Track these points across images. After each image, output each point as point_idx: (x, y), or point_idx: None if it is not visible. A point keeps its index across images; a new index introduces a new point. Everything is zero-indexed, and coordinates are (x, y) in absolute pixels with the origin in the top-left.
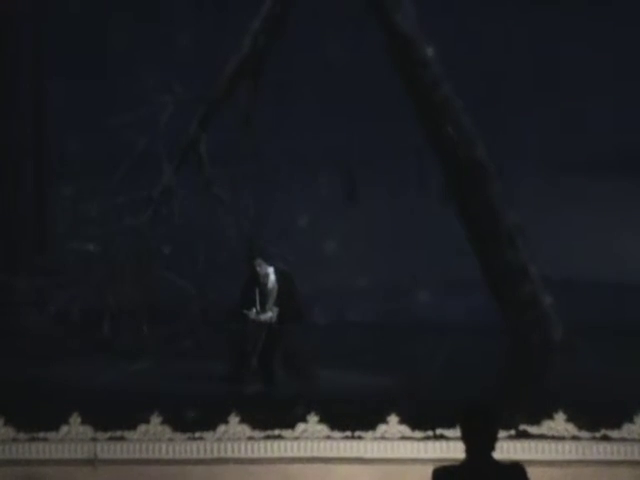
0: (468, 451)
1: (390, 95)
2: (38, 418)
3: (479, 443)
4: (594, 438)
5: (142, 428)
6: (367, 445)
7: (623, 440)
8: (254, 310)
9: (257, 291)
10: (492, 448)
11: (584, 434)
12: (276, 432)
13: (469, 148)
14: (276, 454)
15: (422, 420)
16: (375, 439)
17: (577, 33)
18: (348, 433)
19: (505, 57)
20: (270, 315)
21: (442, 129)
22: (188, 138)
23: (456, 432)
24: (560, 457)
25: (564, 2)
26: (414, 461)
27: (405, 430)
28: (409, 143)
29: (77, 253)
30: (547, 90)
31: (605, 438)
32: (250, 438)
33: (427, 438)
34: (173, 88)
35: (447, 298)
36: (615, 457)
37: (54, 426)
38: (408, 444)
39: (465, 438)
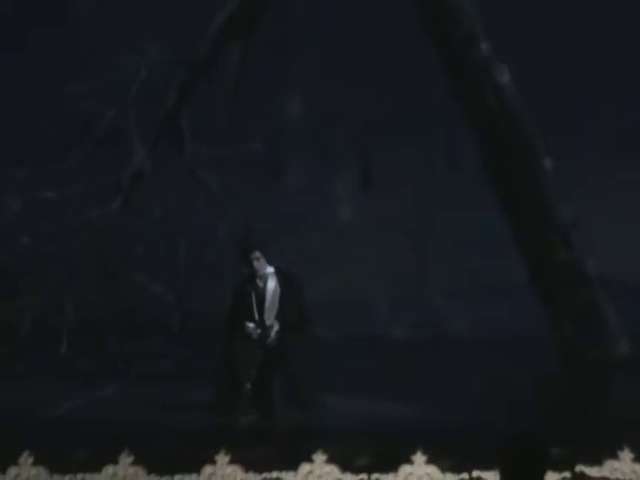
0: None
1: (414, 54)
2: None
3: None
4: None
5: (109, 470)
6: None
7: None
8: (252, 325)
9: (254, 297)
10: None
11: None
12: (274, 475)
13: (513, 122)
14: None
15: (455, 459)
16: None
17: None
18: (364, 476)
19: (559, 9)
20: (274, 330)
21: (479, 97)
22: (165, 110)
23: (496, 475)
24: None
25: None
26: None
27: (434, 472)
28: (437, 115)
29: (27, 253)
30: (611, 51)
31: None
32: None
33: None
34: (146, 49)
35: (484, 307)
36: None
37: (0, 468)
38: None
39: None
